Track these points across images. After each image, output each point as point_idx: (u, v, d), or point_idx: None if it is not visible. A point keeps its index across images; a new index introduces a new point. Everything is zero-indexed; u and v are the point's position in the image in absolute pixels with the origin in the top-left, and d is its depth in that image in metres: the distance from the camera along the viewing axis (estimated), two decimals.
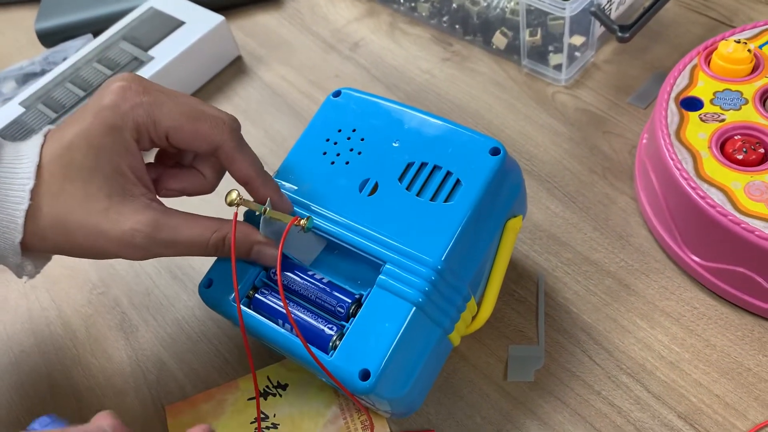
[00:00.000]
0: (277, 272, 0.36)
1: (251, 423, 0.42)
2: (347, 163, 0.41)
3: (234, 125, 0.39)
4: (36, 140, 0.37)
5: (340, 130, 0.43)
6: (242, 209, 0.40)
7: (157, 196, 0.40)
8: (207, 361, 0.47)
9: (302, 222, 0.37)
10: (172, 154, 0.42)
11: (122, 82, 0.38)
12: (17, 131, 0.61)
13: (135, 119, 0.37)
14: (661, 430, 0.39)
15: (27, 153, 0.37)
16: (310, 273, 0.40)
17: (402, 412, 0.38)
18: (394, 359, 0.35)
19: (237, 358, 0.46)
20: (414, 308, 0.36)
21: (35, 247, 0.37)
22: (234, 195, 0.38)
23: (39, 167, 0.36)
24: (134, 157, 0.38)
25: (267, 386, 0.44)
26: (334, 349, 0.36)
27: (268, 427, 0.42)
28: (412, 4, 0.66)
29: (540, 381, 0.42)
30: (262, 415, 0.43)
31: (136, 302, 0.51)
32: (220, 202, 0.40)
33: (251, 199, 0.40)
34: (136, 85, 0.38)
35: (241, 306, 0.39)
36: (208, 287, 0.41)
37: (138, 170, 0.38)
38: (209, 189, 0.42)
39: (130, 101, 0.37)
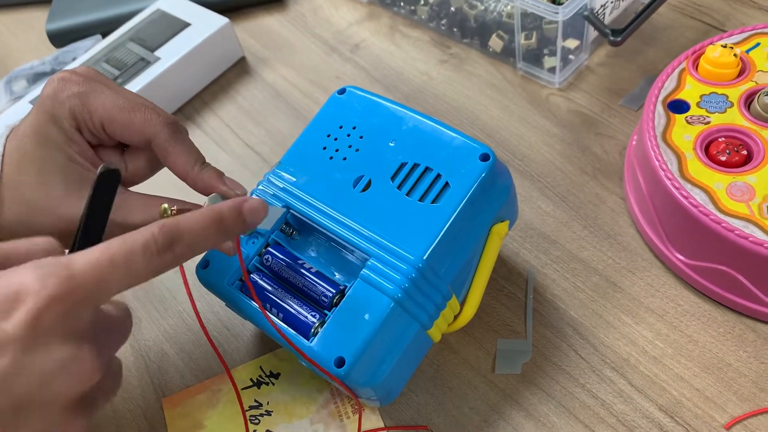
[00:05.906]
0: (246, 281, 0.38)
1: (245, 411, 0.44)
2: (345, 159, 0.43)
3: (170, 120, 0.39)
4: (3, 132, 0.38)
5: (341, 127, 0.44)
6: None
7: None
8: (207, 351, 0.48)
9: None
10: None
11: (65, 73, 0.38)
12: None
13: (71, 108, 0.38)
14: (643, 422, 0.41)
15: None
16: (300, 262, 0.41)
17: (379, 398, 0.39)
18: (368, 350, 0.36)
19: (235, 349, 0.48)
20: (393, 303, 0.37)
21: (2, 236, 0.37)
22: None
23: (2, 157, 0.37)
24: (80, 145, 0.38)
25: (260, 376, 0.45)
26: (315, 336, 0.38)
27: (262, 414, 0.44)
28: (412, 8, 0.67)
29: (527, 374, 0.44)
30: (255, 403, 0.44)
31: (140, 295, 0.53)
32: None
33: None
34: (76, 77, 0.38)
35: (233, 289, 0.41)
36: (204, 268, 0.43)
37: (89, 156, 0.39)
38: (138, 180, 0.42)
39: (67, 91, 0.38)
